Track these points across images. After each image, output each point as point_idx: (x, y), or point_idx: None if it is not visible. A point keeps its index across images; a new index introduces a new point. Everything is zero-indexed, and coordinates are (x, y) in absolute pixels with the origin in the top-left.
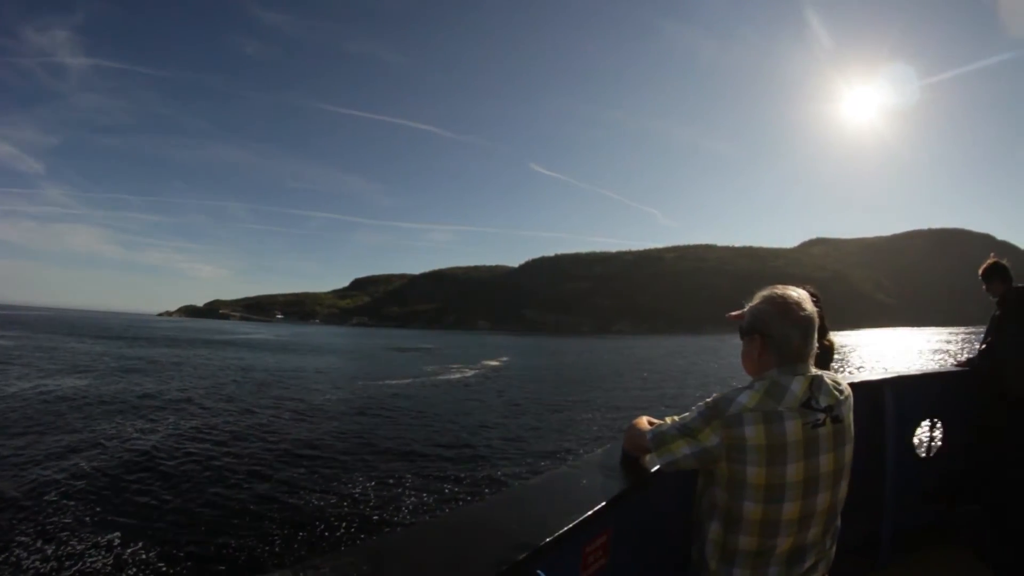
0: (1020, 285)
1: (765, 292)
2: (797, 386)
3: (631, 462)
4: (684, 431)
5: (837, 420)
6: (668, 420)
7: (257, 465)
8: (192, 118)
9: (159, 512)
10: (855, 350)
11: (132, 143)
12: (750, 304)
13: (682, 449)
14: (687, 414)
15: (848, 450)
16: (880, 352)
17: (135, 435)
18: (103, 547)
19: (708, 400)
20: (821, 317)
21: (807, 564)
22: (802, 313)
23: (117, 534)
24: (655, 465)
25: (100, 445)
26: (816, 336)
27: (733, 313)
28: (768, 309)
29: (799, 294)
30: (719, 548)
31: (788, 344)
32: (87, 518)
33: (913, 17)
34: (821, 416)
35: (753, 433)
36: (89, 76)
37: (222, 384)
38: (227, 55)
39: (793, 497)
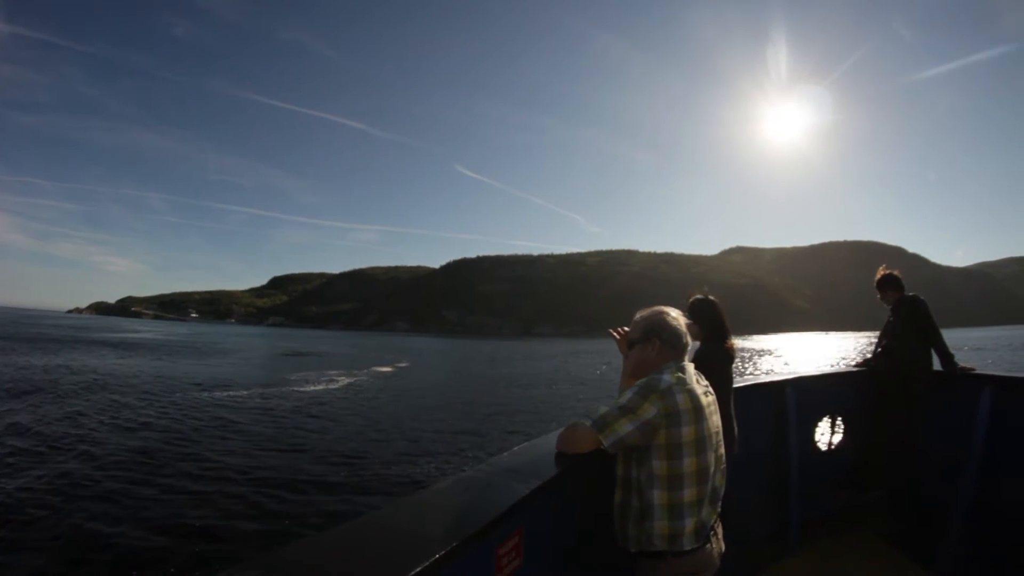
0: (911, 294)
1: (652, 308)
2: (691, 369)
3: (539, 462)
4: (624, 411)
5: (710, 394)
6: (601, 409)
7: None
8: (115, 100)
9: None
10: (773, 352)
11: (50, 122)
12: (641, 318)
13: (625, 427)
14: (621, 398)
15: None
16: (795, 354)
17: None
18: None
19: (639, 384)
20: (723, 322)
21: (718, 500)
22: (682, 320)
23: None
24: (584, 450)
25: None
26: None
27: (621, 329)
28: (661, 319)
29: (674, 309)
30: (667, 509)
31: (679, 343)
32: None
33: (831, 41)
34: (706, 388)
35: (682, 400)
36: (8, 45)
37: (35, 392)
38: (156, 34)
39: (712, 447)
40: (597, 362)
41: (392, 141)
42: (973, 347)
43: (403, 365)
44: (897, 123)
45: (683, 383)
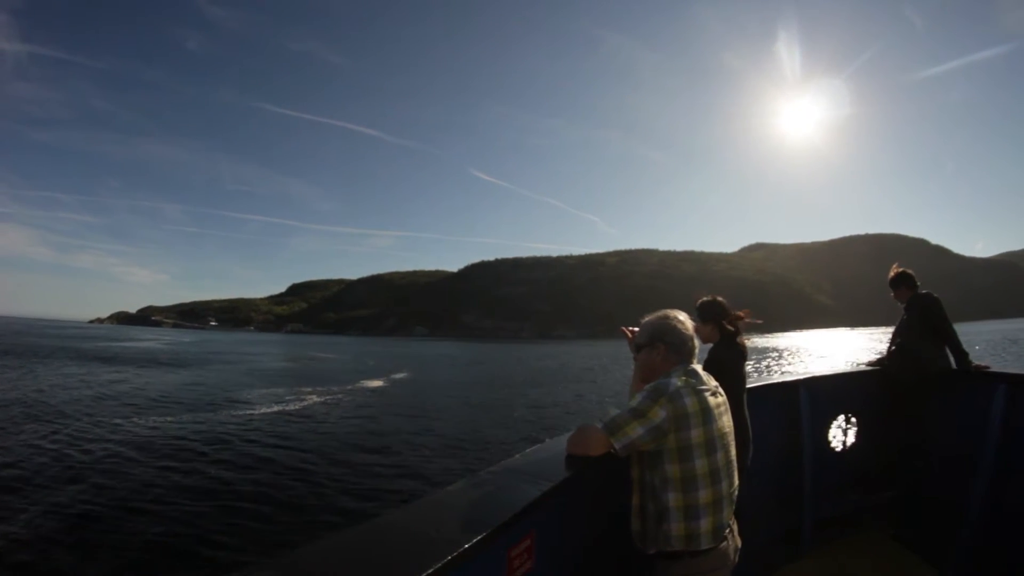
0: (924, 291)
1: (658, 313)
2: (700, 371)
3: (551, 465)
4: (635, 414)
5: (719, 395)
6: (612, 411)
7: None
8: (129, 113)
9: None
10: (795, 351)
11: (66, 138)
12: (647, 322)
13: (636, 430)
14: (632, 401)
15: (730, 416)
16: (818, 352)
17: None
18: None
19: (648, 387)
20: (732, 321)
21: (734, 499)
22: (689, 324)
23: None
24: (598, 452)
25: None
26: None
27: (631, 328)
28: (665, 323)
29: (681, 313)
30: (682, 511)
31: (685, 346)
32: None
33: (846, 34)
34: (716, 389)
35: (690, 403)
36: (25, 64)
37: None
38: (169, 48)
39: (721, 447)
40: (622, 365)
41: (405, 147)
42: (999, 339)
43: (401, 376)
44: (913, 116)
45: (691, 386)
